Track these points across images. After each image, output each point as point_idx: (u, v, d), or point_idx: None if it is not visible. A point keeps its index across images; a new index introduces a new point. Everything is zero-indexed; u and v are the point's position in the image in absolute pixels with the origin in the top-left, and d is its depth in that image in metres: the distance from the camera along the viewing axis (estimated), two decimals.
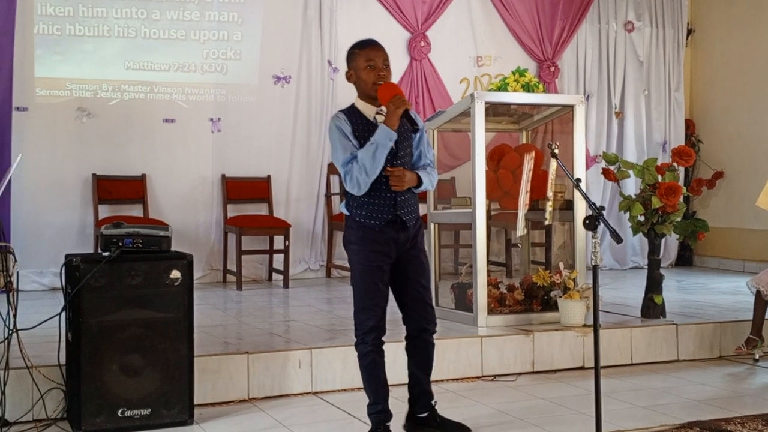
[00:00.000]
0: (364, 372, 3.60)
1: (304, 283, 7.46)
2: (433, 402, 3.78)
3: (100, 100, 7.22)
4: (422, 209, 7.92)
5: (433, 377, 4.63)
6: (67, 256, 3.88)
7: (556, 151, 3.86)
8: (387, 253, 3.53)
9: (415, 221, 3.60)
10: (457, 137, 6.99)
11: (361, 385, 4.46)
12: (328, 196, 7.87)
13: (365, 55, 3.52)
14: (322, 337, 4.87)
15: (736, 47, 8.85)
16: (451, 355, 4.75)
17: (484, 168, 5.16)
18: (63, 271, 3.85)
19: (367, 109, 3.51)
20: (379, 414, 3.59)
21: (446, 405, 4.20)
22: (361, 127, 3.47)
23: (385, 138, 3.37)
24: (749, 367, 5.15)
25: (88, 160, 7.14)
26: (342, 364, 4.52)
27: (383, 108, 3.47)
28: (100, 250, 3.88)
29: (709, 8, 9.18)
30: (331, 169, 7.89)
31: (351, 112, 3.51)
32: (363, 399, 4.31)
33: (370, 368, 3.58)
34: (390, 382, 4.49)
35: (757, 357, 5.21)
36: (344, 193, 3.57)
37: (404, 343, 3.74)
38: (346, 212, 3.57)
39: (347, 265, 7.39)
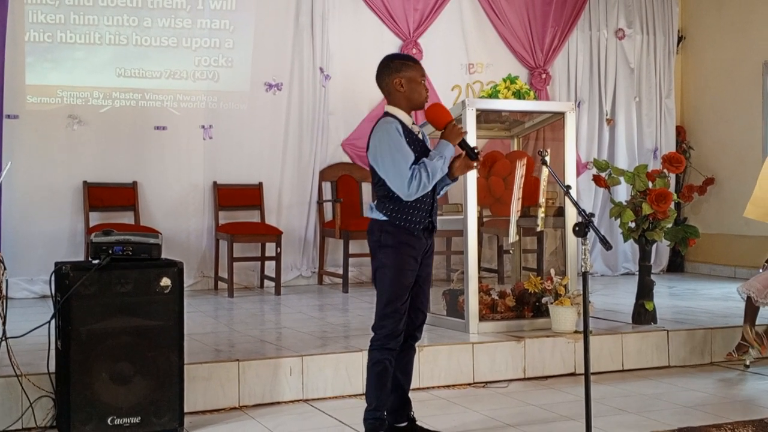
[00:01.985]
0: (375, 377, 3.58)
1: (296, 290, 7.45)
2: (411, 412, 3.78)
3: (91, 108, 7.21)
4: None
5: (424, 384, 4.66)
6: (57, 263, 3.87)
7: (547, 158, 3.87)
8: (417, 259, 3.60)
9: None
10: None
11: (353, 393, 4.49)
12: (320, 203, 7.86)
13: (420, 71, 3.65)
14: (314, 344, 4.86)
15: (726, 54, 8.89)
16: (442, 361, 4.75)
17: (476, 175, 5.16)
18: (53, 278, 3.84)
19: (405, 118, 3.63)
20: (377, 421, 3.59)
21: (437, 412, 4.20)
22: (406, 133, 3.57)
23: (450, 154, 3.56)
24: (740, 373, 5.16)
25: (78, 167, 7.12)
26: (333, 372, 4.51)
27: (423, 124, 3.67)
28: (90, 258, 3.87)
29: (700, 15, 9.22)
30: (323, 176, 7.89)
31: (396, 118, 3.60)
32: (354, 406, 4.31)
33: (382, 374, 3.57)
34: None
35: (748, 363, 5.22)
36: (382, 197, 3.57)
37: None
38: (381, 217, 3.57)
39: (339, 272, 7.49)
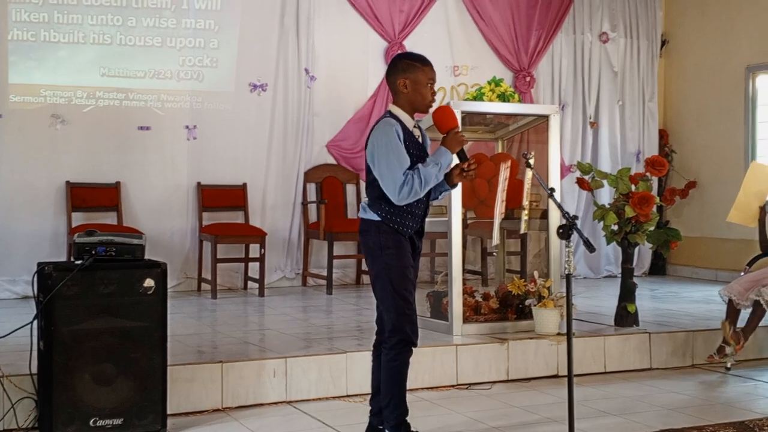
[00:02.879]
0: (402, 378, 3.58)
1: (280, 292, 7.44)
2: None
3: (75, 107, 7.16)
4: None
5: (408, 386, 4.65)
6: (39, 264, 3.85)
7: (531, 161, 3.89)
8: (411, 260, 3.61)
9: None
10: (433, 146, 7.02)
11: (337, 395, 4.51)
12: (305, 204, 7.85)
13: (428, 73, 3.60)
14: (298, 346, 4.86)
15: (709, 58, 8.96)
16: (426, 363, 4.76)
17: None
18: (35, 279, 3.82)
19: (407, 120, 3.60)
20: (405, 424, 3.59)
21: (420, 413, 4.20)
22: (406, 136, 3.55)
23: (447, 162, 3.52)
24: (721, 376, 5.20)
25: (61, 167, 7.08)
26: (317, 374, 4.51)
27: (417, 121, 3.64)
28: (73, 259, 3.85)
29: (683, 19, 9.29)
30: (308, 177, 7.88)
31: (398, 120, 3.58)
32: (338, 408, 4.32)
33: (406, 374, 3.60)
34: (354, 391, 4.52)
35: (729, 365, 5.26)
36: (376, 199, 3.54)
37: (372, 350, 3.72)
38: (375, 218, 3.54)
39: (323, 273, 7.48)
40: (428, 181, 3.46)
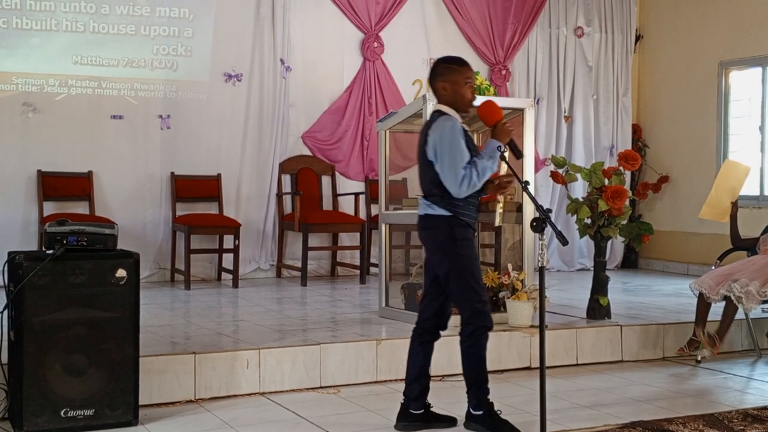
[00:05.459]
0: (484, 362, 3.77)
1: (254, 283, 7.41)
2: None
3: (47, 95, 7.09)
4: (374, 210, 7.92)
5: (381, 377, 4.67)
6: (10, 253, 3.81)
7: (506, 154, 3.90)
8: None
9: None
10: (408, 138, 7.00)
11: (310, 386, 4.50)
12: (279, 195, 7.83)
13: (465, 73, 3.78)
14: (271, 337, 4.84)
15: (683, 54, 9.03)
16: (400, 355, 4.73)
17: None
18: (5, 268, 3.78)
19: (458, 117, 3.75)
20: (487, 399, 3.76)
21: (394, 405, 4.20)
22: (464, 133, 3.71)
23: (498, 154, 3.70)
24: (691, 368, 5.25)
25: (33, 155, 7.00)
26: (291, 365, 4.50)
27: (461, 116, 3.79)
28: (44, 248, 3.81)
29: (657, 15, 9.35)
30: (283, 168, 7.86)
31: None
32: (312, 399, 4.32)
33: (485, 356, 3.77)
34: (328, 383, 4.51)
35: (699, 358, 5.32)
36: (442, 196, 3.67)
37: (413, 335, 3.93)
38: (446, 213, 3.69)
39: (298, 265, 7.46)
40: (485, 173, 3.63)
